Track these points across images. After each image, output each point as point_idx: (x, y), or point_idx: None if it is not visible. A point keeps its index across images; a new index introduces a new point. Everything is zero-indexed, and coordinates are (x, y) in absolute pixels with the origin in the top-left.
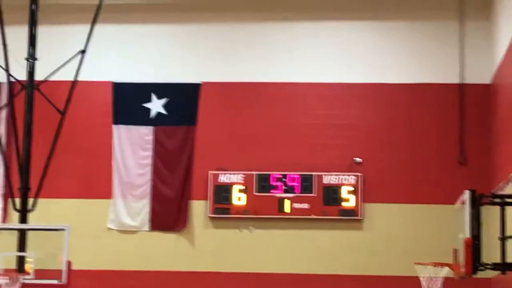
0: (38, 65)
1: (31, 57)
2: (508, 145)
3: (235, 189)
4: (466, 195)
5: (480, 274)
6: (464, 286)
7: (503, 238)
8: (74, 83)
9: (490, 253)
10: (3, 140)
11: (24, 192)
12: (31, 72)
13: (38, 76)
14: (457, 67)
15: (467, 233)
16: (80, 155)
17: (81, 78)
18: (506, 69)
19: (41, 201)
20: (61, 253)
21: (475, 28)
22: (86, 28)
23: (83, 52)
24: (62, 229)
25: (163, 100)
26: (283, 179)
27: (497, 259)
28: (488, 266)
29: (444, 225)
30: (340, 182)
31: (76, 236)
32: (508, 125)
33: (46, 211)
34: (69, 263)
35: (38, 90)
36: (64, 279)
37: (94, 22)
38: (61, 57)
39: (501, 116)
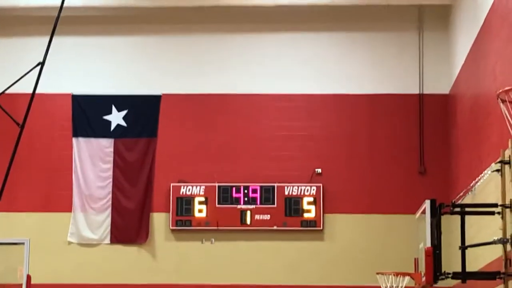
0: None
1: None
2: (466, 155)
3: (197, 201)
4: (427, 205)
5: (441, 283)
6: None
7: (463, 247)
8: (33, 95)
9: (451, 262)
10: None
11: None
12: None
13: None
14: (416, 78)
15: (427, 243)
16: (39, 168)
17: (39, 90)
18: (463, 79)
19: (0, 215)
20: (21, 267)
21: (434, 39)
22: (44, 40)
23: (41, 64)
24: (22, 243)
25: (123, 112)
26: (244, 191)
27: (458, 268)
28: (449, 275)
29: (405, 235)
30: (301, 193)
31: (36, 250)
32: (466, 135)
33: (5, 225)
34: (29, 277)
35: None
36: None
37: (52, 33)
38: (19, 70)
39: (460, 125)
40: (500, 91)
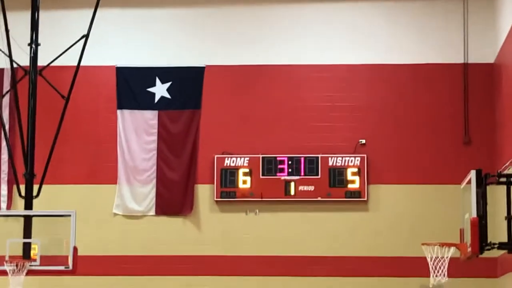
0: (40, 50)
1: (34, 43)
2: None
3: (241, 173)
4: (472, 175)
5: (487, 254)
6: (471, 265)
7: (510, 218)
8: (77, 68)
9: (496, 232)
10: (7, 127)
11: (29, 178)
12: (34, 58)
13: (41, 62)
14: (461, 47)
15: (473, 213)
16: (84, 141)
17: (84, 63)
18: (509, 48)
19: (46, 187)
20: (67, 239)
21: (479, 8)
22: (88, 12)
23: (86, 36)
24: (68, 215)
25: (167, 84)
26: (288, 162)
27: (504, 239)
28: (495, 246)
29: (450, 206)
30: (345, 164)
31: (82, 222)
32: None
33: (51, 197)
34: (75, 249)
35: (41, 75)
36: (70, 265)
37: (96, 6)
38: (63, 42)
39: (505, 95)
40: None
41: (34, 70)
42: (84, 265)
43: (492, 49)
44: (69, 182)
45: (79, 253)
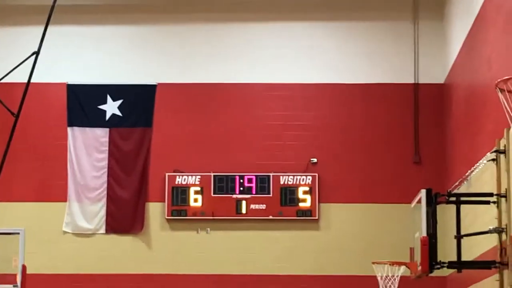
0: None
1: None
2: (462, 144)
3: (192, 191)
4: (422, 194)
5: (436, 273)
6: (421, 284)
7: (459, 236)
8: (28, 85)
9: (446, 251)
10: None
11: None
12: None
13: None
14: (411, 67)
15: (423, 232)
16: (34, 158)
17: (34, 80)
18: (458, 68)
19: None
20: (16, 257)
21: (429, 29)
22: (39, 29)
23: (36, 53)
24: (17, 233)
25: (119, 102)
26: (240, 180)
27: (453, 258)
28: (444, 265)
29: (401, 224)
30: (296, 183)
31: (31, 240)
32: (462, 124)
33: (0, 214)
34: (24, 267)
35: None
36: (19, 284)
37: (47, 23)
38: (14, 59)
39: (455, 115)
40: (499, 80)
41: None
42: (34, 283)
43: (442, 69)
44: (18, 199)
45: (29, 271)
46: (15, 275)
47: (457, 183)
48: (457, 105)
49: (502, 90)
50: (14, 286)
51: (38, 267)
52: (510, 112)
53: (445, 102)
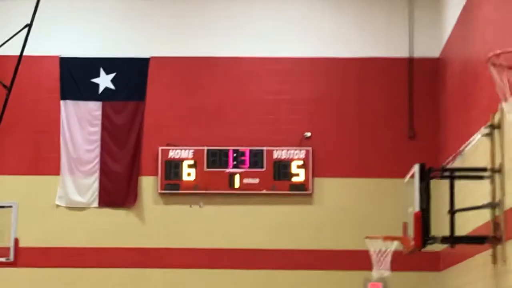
0: None
1: None
2: (456, 119)
3: (185, 165)
4: (416, 169)
5: (429, 248)
6: (414, 259)
7: (452, 212)
8: (20, 58)
9: (439, 226)
10: None
11: None
12: None
13: None
14: (406, 41)
15: (416, 207)
16: (27, 131)
17: (27, 53)
18: (454, 43)
19: None
20: (9, 231)
21: (424, 2)
22: (32, 2)
23: (29, 26)
24: (9, 206)
25: (112, 75)
26: (233, 154)
27: (446, 233)
28: (437, 240)
29: (394, 199)
30: (290, 157)
31: (24, 214)
32: (456, 99)
33: None
34: (16, 241)
35: None
36: (11, 257)
37: None
38: (6, 32)
39: (450, 90)
40: (491, 54)
41: None
42: (26, 256)
43: (437, 44)
44: (11, 172)
45: (21, 244)
46: (8, 248)
47: (450, 158)
48: (452, 80)
49: (494, 65)
50: (6, 259)
51: (30, 240)
52: (502, 87)
53: (440, 77)
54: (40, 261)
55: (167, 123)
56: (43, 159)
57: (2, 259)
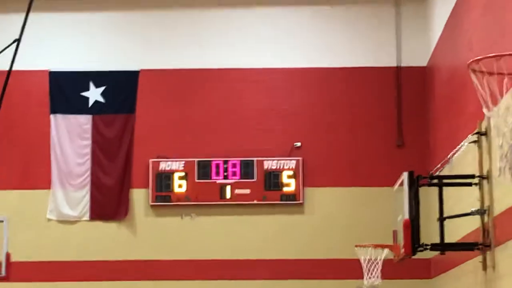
0: None
1: None
2: (444, 127)
3: (176, 177)
4: (404, 177)
5: (420, 255)
6: (405, 267)
7: (441, 219)
8: (9, 73)
9: (429, 234)
10: None
11: None
12: None
13: None
14: (394, 50)
15: (405, 215)
16: (16, 146)
17: (16, 67)
18: (441, 51)
19: None
20: (0, 245)
21: (411, 11)
22: (20, 16)
23: (17, 41)
24: (0, 221)
25: (101, 88)
26: (224, 165)
27: (436, 240)
28: (427, 247)
29: (384, 207)
30: (280, 167)
31: (15, 228)
32: (444, 107)
33: None
34: (8, 255)
35: None
36: (3, 271)
37: (28, 10)
38: None
39: (437, 98)
40: (471, 60)
41: None
42: (18, 271)
43: (424, 52)
44: (1, 187)
45: (13, 259)
46: None
47: (439, 166)
48: (440, 88)
49: (474, 71)
50: None
51: (22, 254)
52: (482, 93)
53: (428, 85)
54: (33, 275)
55: (158, 136)
56: (34, 173)
57: None
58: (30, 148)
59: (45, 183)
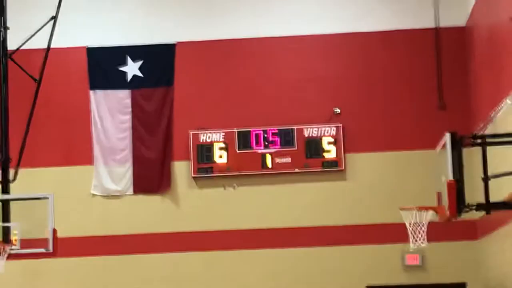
0: (9, 34)
1: (2, 27)
2: (486, 86)
3: (216, 148)
4: (447, 138)
5: (465, 217)
6: (451, 229)
7: (486, 179)
8: (48, 50)
9: (474, 195)
10: None
11: (4, 162)
12: (3, 42)
13: (11, 46)
14: (431, 11)
15: (449, 176)
16: (58, 123)
17: (54, 45)
18: (479, 9)
19: (22, 171)
20: (46, 222)
21: None
22: None
23: (54, 18)
24: (46, 198)
25: (139, 63)
26: (264, 135)
27: (481, 200)
28: (473, 207)
29: (427, 170)
30: (321, 134)
31: (60, 204)
32: (485, 66)
33: (28, 181)
34: (54, 231)
35: (12, 59)
36: (50, 247)
37: None
38: (32, 25)
39: (478, 57)
40: None
41: (4, 54)
42: (65, 247)
43: (463, 12)
44: (45, 165)
45: (59, 235)
46: (46, 239)
47: (482, 125)
48: (480, 47)
49: None
50: (46, 250)
51: (68, 230)
52: None
53: (467, 45)
54: (79, 250)
55: (197, 107)
56: (76, 150)
57: (42, 250)
58: (72, 125)
59: (88, 159)
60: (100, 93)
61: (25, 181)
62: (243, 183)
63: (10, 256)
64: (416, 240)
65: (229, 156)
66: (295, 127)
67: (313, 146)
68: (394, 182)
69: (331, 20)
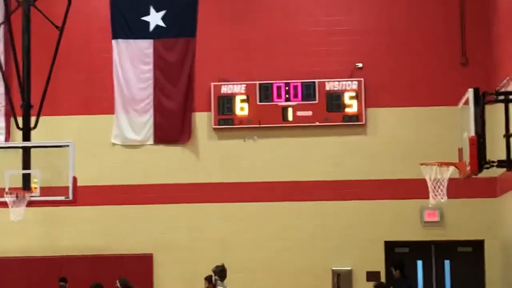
0: None
1: None
2: (510, 43)
3: (238, 100)
4: (470, 94)
5: (485, 174)
6: (471, 186)
7: (508, 136)
8: None
9: (495, 152)
10: (2, 59)
11: (26, 108)
12: None
13: None
14: None
15: (471, 132)
16: (80, 71)
17: None
18: None
19: (43, 119)
20: (67, 170)
21: None
22: None
23: None
24: (66, 146)
25: (162, 13)
26: (285, 87)
27: (503, 157)
28: (494, 164)
29: (448, 126)
30: (342, 89)
31: (81, 153)
32: (509, 22)
33: (49, 128)
34: (74, 179)
35: (34, 6)
36: (70, 195)
37: None
38: None
39: (502, 13)
40: None
41: (27, 2)
42: (84, 195)
43: None
44: (66, 113)
45: (79, 183)
46: (66, 187)
47: (505, 81)
48: (504, 2)
49: None
50: (66, 197)
51: (88, 179)
52: None
53: (491, 1)
54: (98, 199)
55: (218, 59)
56: (97, 99)
57: (61, 198)
58: (93, 74)
59: (109, 108)
60: (122, 42)
61: (46, 128)
62: (263, 135)
63: (30, 203)
64: (436, 196)
65: (250, 108)
66: (316, 81)
67: (334, 100)
68: (414, 137)
69: None
